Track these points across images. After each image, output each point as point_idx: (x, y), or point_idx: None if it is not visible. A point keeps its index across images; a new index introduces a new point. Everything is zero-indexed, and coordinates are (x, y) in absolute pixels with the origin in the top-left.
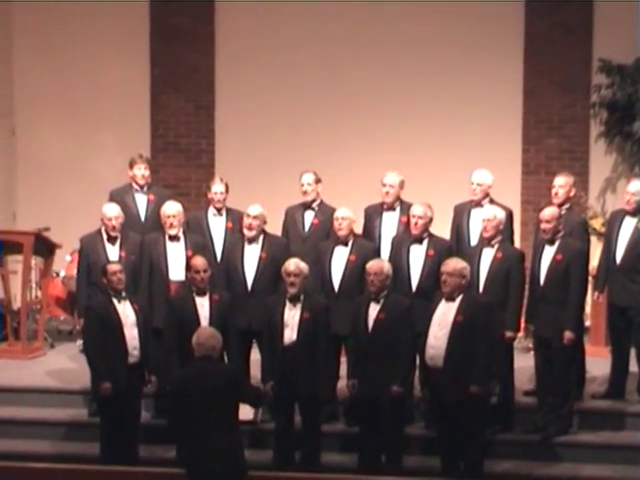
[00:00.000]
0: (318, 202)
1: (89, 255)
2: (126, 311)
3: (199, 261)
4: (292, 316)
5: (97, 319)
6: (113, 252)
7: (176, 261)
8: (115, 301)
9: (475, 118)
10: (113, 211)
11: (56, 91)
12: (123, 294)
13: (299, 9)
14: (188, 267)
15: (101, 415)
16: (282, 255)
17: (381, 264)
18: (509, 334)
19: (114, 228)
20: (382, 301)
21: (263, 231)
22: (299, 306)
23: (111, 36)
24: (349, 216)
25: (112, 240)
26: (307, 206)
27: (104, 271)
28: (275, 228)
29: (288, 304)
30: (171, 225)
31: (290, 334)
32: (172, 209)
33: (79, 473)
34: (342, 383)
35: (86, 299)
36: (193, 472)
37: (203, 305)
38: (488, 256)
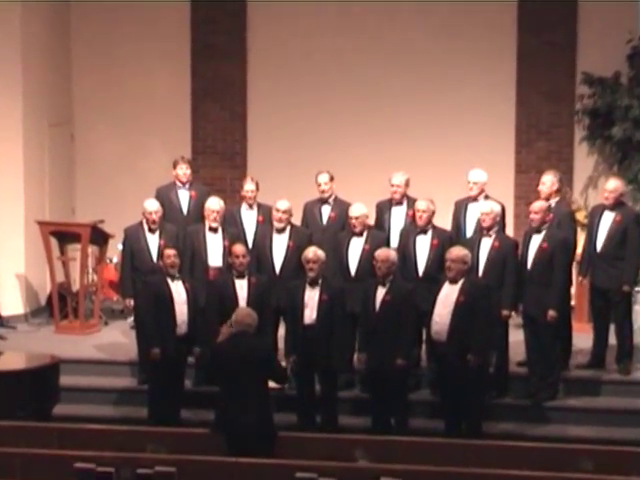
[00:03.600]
0: (333, 197)
1: (132, 244)
2: (178, 289)
3: (239, 248)
4: (312, 297)
5: (152, 294)
6: (153, 241)
7: (215, 249)
8: (169, 280)
9: (474, 124)
10: (153, 206)
11: (109, 101)
12: (177, 275)
13: (321, 30)
14: (229, 253)
15: (150, 381)
16: (307, 244)
17: (387, 252)
18: (505, 312)
19: (154, 221)
20: (388, 285)
21: (290, 223)
22: (318, 289)
23: (157, 52)
24: (362, 214)
25: (152, 231)
26: (324, 201)
27: (161, 254)
28: (297, 220)
29: (308, 287)
30: (214, 219)
31: (310, 314)
32: (216, 205)
33: (128, 433)
34: (357, 356)
35: (130, 281)
36: (229, 433)
37: (242, 286)
38: (486, 245)
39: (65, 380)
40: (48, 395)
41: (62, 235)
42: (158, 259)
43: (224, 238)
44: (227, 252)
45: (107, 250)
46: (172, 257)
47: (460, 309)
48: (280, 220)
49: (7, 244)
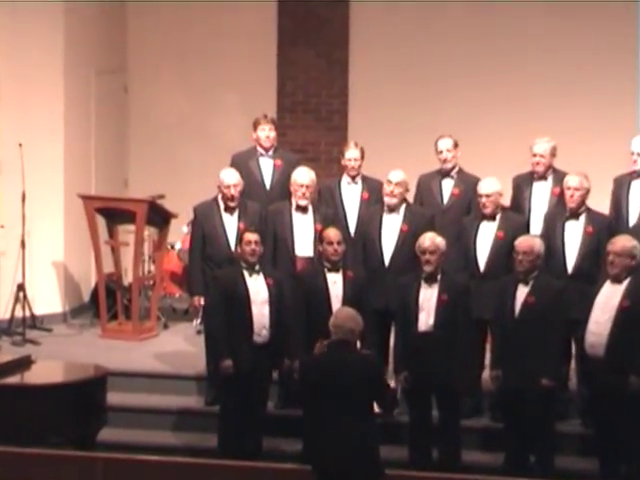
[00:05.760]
0: (457, 169)
1: (204, 226)
2: (257, 286)
3: (333, 232)
4: (428, 298)
5: (223, 291)
6: (231, 223)
7: (303, 235)
8: (246, 274)
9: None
10: (232, 178)
11: (173, 44)
12: (256, 267)
13: None
14: (320, 239)
15: (221, 400)
16: (425, 229)
17: (531, 241)
18: None
19: (232, 197)
20: (531, 283)
21: (405, 200)
22: (436, 287)
23: None
24: (495, 191)
25: (230, 210)
26: (445, 174)
27: (240, 238)
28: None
29: (424, 284)
30: (303, 195)
31: (426, 318)
32: (306, 178)
33: (194, 467)
34: (487, 373)
35: (200, 273)
36: (322, 469)
37: (335, 282)
38: None
39: (113, 398)
40: (91, 416)
41: (112, 213)
42: (235, 246)
43: (315, 220)
44: (318, 238)
45: (168, 233)
46: (253, 243)
47: (623, 316)
48: (392, 195)
49: (42, 224)
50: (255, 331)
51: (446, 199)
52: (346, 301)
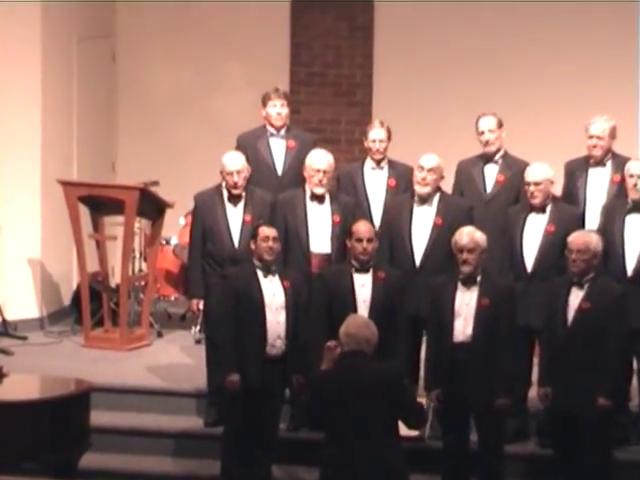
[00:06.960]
0: (502, 153)
1: (205, 218)
2: (273, 289)
3: (364, 227)
4: (466, 303)
5: (233, 293)
6: (235, 215)
7: (319, 228)
8: (260, 274)
9: None
10: (235, 163)
11: (168, 6)
12: (272, 267)
13: None
14: (349, 234)
15: (225, 420)
16: (463, 223)
17: (587, 238)
18: None
19: (236, 185)
20: (587, 286)
21: (439, 189)
22: (475, 290)
23: None
24: (545, 178)
25: (234, 199)
26: (488, 159)
27: (255, 233)
28: (447, 186)
29: (461, 287)
30: (319, 182)
31: (463, 326)
32: (323, 162)
33: None
34: (534, 391)
35: (200, 273)
36: None
37: (364, 284)
38: None
39: (98, 417)
40: (72, 439)
41: (97, 203)
42: (240, 242)
43: (333, 211)
44: (339, 232)
45: (162, 226)
46: (270, 240)
47: None
48: (424, 182)
49: (16, 215)
50: (268, 341)
51: (490, 187)
52: (375, 306)
